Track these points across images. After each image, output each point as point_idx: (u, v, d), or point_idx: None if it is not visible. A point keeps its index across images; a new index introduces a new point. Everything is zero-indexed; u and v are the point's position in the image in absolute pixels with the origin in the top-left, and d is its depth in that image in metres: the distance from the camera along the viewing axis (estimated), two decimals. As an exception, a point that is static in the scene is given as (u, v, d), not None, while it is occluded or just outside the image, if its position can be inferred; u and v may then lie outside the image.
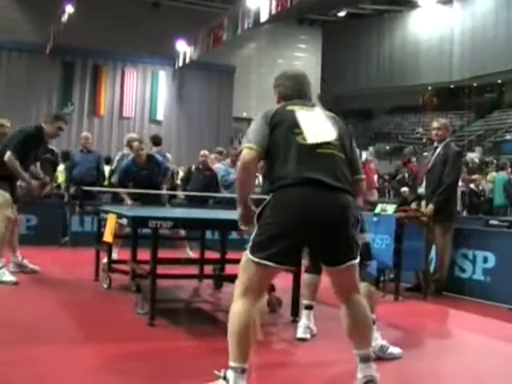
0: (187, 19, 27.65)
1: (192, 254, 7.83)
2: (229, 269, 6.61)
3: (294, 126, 3.25)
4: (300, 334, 4.61)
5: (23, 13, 27.14)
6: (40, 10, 25.73)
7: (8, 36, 26.31)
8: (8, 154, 6.35)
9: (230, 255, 6.66)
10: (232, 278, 6.29)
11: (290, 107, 3.37)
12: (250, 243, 3.17)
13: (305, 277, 4.80)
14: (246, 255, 3.17)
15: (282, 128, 3.25)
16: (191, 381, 3.46)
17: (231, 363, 3.07)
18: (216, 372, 3.18)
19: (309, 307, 4.73)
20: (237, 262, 6.72)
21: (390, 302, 6.44)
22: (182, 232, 7.75)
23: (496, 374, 4.14)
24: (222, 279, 6.54)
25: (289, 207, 3.09)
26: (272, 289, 5.44)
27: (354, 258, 3.22)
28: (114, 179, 11.07)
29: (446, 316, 6.36)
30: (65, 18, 23.48)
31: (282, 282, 4.79)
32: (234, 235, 9.89)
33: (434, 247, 7.04)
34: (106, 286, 6.32)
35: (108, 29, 27.04)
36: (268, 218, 3.12)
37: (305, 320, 4.67)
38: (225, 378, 3.10)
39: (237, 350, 3.05)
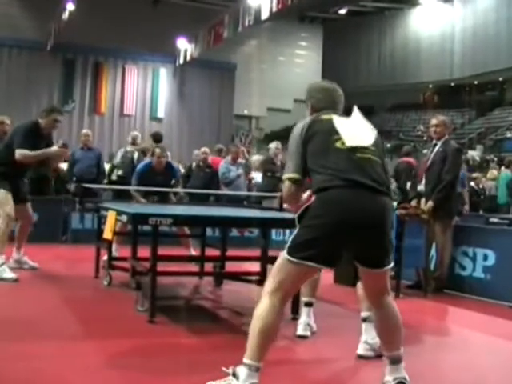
0: (188, 17, 27.67)
1: (194, 253, 7.83)
2: (229, 266, 6.62)
3: (333, 133, 3.27)
4: (300, 331, 4.61)
5: (24, 10, 27.13)
6: (41, 7, 25.73)
7: (8, 33, 26.32)
8: (17, 152, 6.40)
9: (231, 252, 6.67)
10: (232, 276, 6.36)
11: (325, 116, 3.38)
12: (289, 243, 3.16)
13: None
14: (284, 255, 3.15)
15: (320, 136, 3.27)
16: (191, 378, 3.46)
17: (246, 360, 3.03)
18: (224, 369, 3.15)
19: (309, 304, 4.73)
20: (237, 259, 6.77)
21: (391, 299, 6.43)
22: (187, 230, 7.76)
23: (496, 371, 4.14)
24: (223, 276, 6.54)
25: (330, 209, 3.10)
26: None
27: (391, 262, 3.25)
28: (114, 176, 11.10)
29: (446, 313, 6.37)
30: (65, 15, 23.50)
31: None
32: (234, 232, 9.93)
33: (434, 245, 7.04)
34: (106, 283, 6.32)
35: (109, 26, 27.04)
36: (309, 220, 3.12)
37: (305, 317, 4.67)
38: (234, 375, 3.06)
39: (256, 348, 3.02)
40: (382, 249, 3.19)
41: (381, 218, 3.15)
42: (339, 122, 3.34)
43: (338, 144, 3.23)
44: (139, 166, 8.67)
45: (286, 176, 3.35)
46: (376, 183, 3.17)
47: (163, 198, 8.43)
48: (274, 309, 3.07)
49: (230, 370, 3.10)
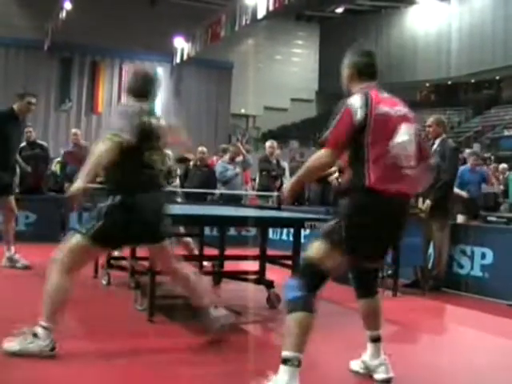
0: (185, 15, 27.65)
1: None
2: (227, 265, 6.62)
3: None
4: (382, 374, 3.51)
5: (21, 9, 27.10)
6: (38, 7, 25.71)
7: (6, 32, 26.28)
8: None
9: (229, 251, 6.67)
10: (231, 275, 6.35)
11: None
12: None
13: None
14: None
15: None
16: (190, 377, 3.47)
17: (43, 323, 3.64)
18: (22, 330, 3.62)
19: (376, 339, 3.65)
20: (236, 258, 6.76)
21: (389, 298, 6.44)
22: None
23: (494, 369, 4.15)
24: (221, 275, 6.54)
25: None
26: (271, 286, 5.46)
27: None
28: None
29: (444, 312, 6.38)
30: (63, 14, 23.48)
31: (280, 278, 4.79)
32: (232, 232, 9.92)
33: (431, 243, 7.06)
34: (105, 282, 6.33)
35: (106, 25, 27.03)
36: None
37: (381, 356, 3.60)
38: (35, 335, 3.56)
39: (53, 314, 3.74)
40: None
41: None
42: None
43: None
44: None
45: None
46: None
47: None
48: (69, 282, 3.87)
49: (26, 330, 3.55)
